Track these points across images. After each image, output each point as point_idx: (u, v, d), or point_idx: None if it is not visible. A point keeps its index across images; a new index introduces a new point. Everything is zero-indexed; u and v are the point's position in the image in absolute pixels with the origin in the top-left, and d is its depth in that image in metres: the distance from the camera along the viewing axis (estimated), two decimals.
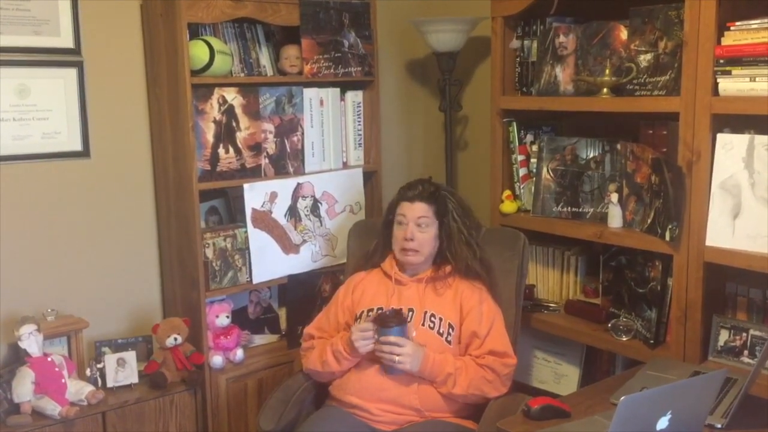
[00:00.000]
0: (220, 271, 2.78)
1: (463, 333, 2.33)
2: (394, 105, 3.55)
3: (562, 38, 2.66)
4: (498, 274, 2.48)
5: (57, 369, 2.50)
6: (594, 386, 2.25)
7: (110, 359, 2.64)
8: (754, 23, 2.10)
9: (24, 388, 2.44)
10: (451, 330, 2.33)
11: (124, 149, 2.86)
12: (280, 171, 2.92)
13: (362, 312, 2.41)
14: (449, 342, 2.32)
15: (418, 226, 2.38)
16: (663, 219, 2.32)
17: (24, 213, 2.67)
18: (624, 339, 2.49)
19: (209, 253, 2.75)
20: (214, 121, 2.73)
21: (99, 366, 2.64)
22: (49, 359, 2.50)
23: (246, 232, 2.83)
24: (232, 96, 2.76)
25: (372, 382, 2.28)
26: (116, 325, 2.87)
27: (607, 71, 2.50)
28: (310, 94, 2.97)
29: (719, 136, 2.19)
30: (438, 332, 2.32)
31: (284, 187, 2.91)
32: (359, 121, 3.16)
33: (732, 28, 2.14)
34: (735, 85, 2.14)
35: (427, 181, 2.46)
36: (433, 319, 2.34)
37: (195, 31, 2.72)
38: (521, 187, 2.86)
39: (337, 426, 2.26)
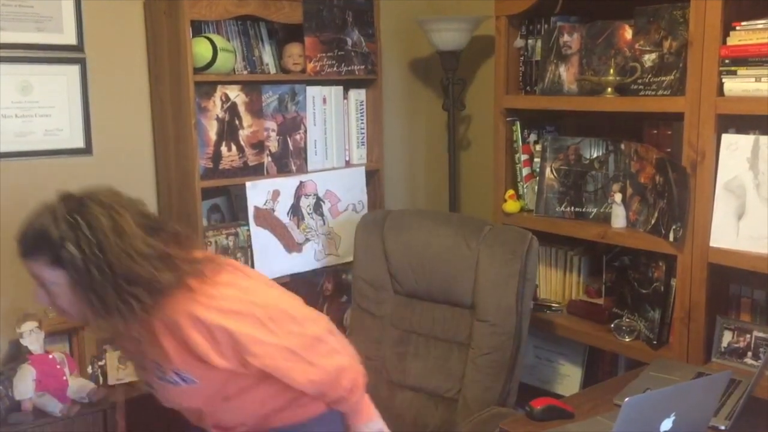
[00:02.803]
0: None
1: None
2: (397, 103, 3.54)
3: (566, 37, 2.65)
4: (491, 278, 2.39)
5: (58, 366, 2.50)
6: (597, 387, 2.25)
7: (112, 357, 2.63)
8: (760, 23, 2.09)
9: (25, 385, 2.43)
10: (184, 372, 1.73)
11: (126, 146, 2.85)
12: (283, 169, 2.91)
13: None
14: (195, 381, 1.74)
15: (43, 287, 1.69)
16: (667, 219, 2.31)
17: (26, 210, 2.65)
18: (627, 340, 2.48)
19: (211, 251, 2.75)
20: (217, 119, 2.73)
21: (100, 363, 2.64)
22: (50, 357, 2.50)
23: (248, 230, 2.82)
24: (235, 94, 2.76)
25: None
26: None
27: (612, 71, 2.49)
28: (312, 92, 2.96)
29: (724, 137, 2.18)
30: (173, 382, 1.76)
31: (287, 185, 2.90)
32: (362, 120, 3.15)
33: (737, 28, 2.12)
34: (740, 85, 2.13)
35: (37, 221, 1.81)
36: (159, 369, 1.76)
37: (198, 29, 2.71)
38: (524, 186, 2.85)
39: None
